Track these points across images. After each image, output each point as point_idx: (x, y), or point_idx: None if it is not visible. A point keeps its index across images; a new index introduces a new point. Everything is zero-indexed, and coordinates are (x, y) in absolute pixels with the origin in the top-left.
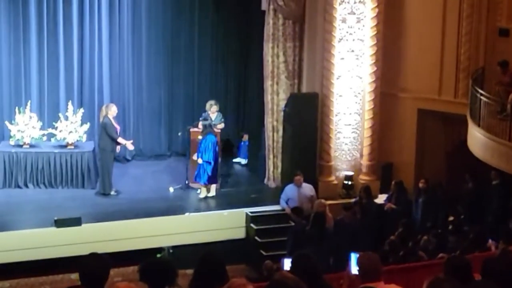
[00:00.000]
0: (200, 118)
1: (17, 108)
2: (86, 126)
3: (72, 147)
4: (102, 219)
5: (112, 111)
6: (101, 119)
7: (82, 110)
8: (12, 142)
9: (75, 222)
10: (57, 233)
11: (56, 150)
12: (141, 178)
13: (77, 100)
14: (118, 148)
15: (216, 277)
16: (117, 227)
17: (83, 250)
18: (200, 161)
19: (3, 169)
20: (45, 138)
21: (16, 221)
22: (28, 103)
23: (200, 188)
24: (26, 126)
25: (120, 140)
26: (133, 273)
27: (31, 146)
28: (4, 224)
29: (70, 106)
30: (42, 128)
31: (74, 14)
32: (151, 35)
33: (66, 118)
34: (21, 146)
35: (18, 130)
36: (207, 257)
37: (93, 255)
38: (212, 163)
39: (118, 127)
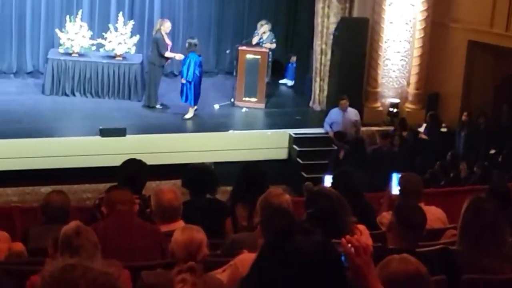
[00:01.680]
0: (252, 37)
1: (68, 16)
2: (135, 38)
3: (121, 58)
4: (146, 131)
5: (166, 27)
6: (153, 33)
7: (132, 22)
8: (61, 50)
9: (120, 132)
10: (101, 142)
11: (105, 61)
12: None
13: (128, 12)
14: (167, 62)
15: (256, 185)
16: (160, 140)
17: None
18: (183, 80)
19: (51, 76)
20: (94, 48)
21: (62, 128)
22: (79, 12)
23: (244, 108)
24: (76, 35)
25: (168, 54)
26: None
27: (80, 55)
28: (51, 130)
29: (120, 18)
30: (91, 38)
31: None
32: None
33: (116, 29)
34: (70, 54)
35: (68, 39)
36: (249, 166)
37: (131, 160)
38: (192, 83)
39: (169, 43)
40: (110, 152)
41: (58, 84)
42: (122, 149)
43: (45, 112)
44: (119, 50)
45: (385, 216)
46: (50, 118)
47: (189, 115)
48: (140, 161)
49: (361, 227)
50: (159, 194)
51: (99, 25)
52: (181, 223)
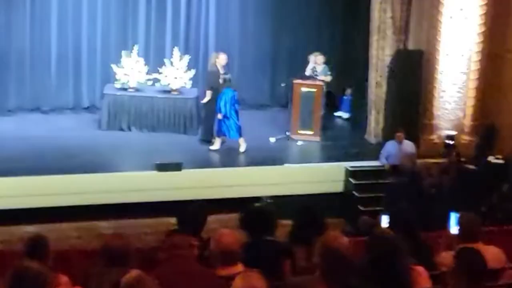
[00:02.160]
0: (306, 71)
1: (123, 51)
2: (190, 73)
3: (176, 93)
4: (202, 165)
5: (221, 59)
6: (209, 67)
7: (187, 56)
8: (117, 85)
9: (176, 167)
10: (157, 177)
11: (160, 95)
12: (242, 127)
13: (183, 46)
14: None
15: (314, 227)
16: (216, 175)
17: (183, 195)
18: (219, 116)
19: (107, 111)
20: (150, 82)
21: (118, 163)
22: (135, 47)
23: (299, 141)
24: (132, 70)
25: (208, 92)
26: (229, 221)
27: (136, 90)
28: (107, 166)
29: (176, 52)
30: (147, 73)
31: None
32: None
33: (172, 63)
34: (126, 89)
35: (124, 74)
36: (307, 208)
37: (192, 202)
38: (230, 118)
39: None
40: (166, 186)
41: (114, 119)
42: (178, 184)
43: (101, 147)
44: (175, 85)
45: (444, 257)
46: (107, 153)
47: (242, 148)
48: (200, 203)
49: (420, 269)
50: (219, 238)
51: (155, 60)
52: (240, 267)
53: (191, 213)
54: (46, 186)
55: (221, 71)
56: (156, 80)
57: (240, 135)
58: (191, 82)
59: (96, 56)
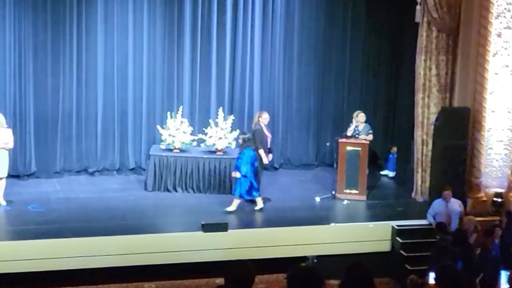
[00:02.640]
0: (347, 132)
1: (169, 113)
2: (235, 133)
3: (221, 153)
4: (248, 225)
5: (264, 118)
6: (253, 126)
7: (232, 117)
8: (163, 146)
9: (222, 227)
10: (204, 238)
11: (206, 156)
12: (288, 186)
13: (228, 106)
14: (270, 157)
15: (364, 285)
16: (262, 234)
17: (229, 256)
18: (238, 175)
19: (153, 172)
20: (195, 143)
21: (164, 223)
22: (180, 108)
23: (345, 200)
24: (177, 131)
25: (260, 152)
26: (276, 281)
27: (181, 150)
28: (153, 226)
29: (220, 113)
30: (192, 133)
31: (228, 22)
32: (302, 45)
33: (216, 124)
34: (171, 150)
35: (169, 135)
36: (356, 267)
37: (239, 261)
38: (249, 177)
39: (269, 136)
40: (213, 247)
41: (160, 180)
42: (224, 244)
43: (147, 208)
44: (220, 145)
45: None
46: (153, 214)
47: (232, 207)
48: (248, 262)
49: None
50: None
51: (200, 120)
52: None
53: (239, 272)
54: (93, 247)
55: (265, 130)
56: (201, 141)
57: (255, 196)
58: (235, 142)
59: (141, 117)
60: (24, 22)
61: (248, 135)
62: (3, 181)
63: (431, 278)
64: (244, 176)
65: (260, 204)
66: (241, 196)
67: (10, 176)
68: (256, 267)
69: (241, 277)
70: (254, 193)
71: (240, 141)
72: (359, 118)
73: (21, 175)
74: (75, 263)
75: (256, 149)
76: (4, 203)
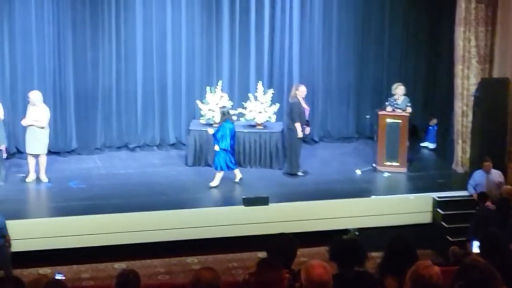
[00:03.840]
0: (386, 103)
1: (208, 87)
2: (275, 107)
3: (261, 127)
4: (289, 199)
5: (301, 91)
6: (290, 99)
7: (271, 91)
8: (203, 121)
9: (263, 201)
10: (244, 212)
11: (245, 130)
12: (328, 159)
13: (267, 80)
14: (307, 130)
15: (406, 257)
16: (303, 208)
17: (270, 229)
18: (217, 148)
19: (193, 147)
20: (235, 117)
21: (205, 198)
22: (219, 83)
23: (386, 172)
24: (216, 106)
25: (297, 125)
26: (318, 254)
27: None
28: (194, 201)
29: (260, 87)
30: (232, 108)
31: None
32: (341, 17)
33: (256, 98)
34: (211, 125)
35: (209, 109)
36: (399, 237)
37: (282, 235)
38: (228, 150)
39: (307, 108)
40: (254, 221)
41: (200, 155)
42: (265, 218)
43: (188, 183)
44: (260, 119)
45: None
46: (194, 189)
47: (215, 182)
48: (290, 236)
49: None
50: (309, 269)
51: (239, 95)
52: None
53: (281, 245)
54: (134, 223)
55: (302, 103)
56: (240, 115)
57: (231, 169)
58: (275, 116)
59: (181, 92)
60: None
61: (227, 108)
62: (44, 158)
63: (475, 246)
64: (224, 149)
65: (238, 175)
66: (221, 169)
67: (51, 153)
68: (298, 240)
69: (284, 251)
70: (231, 165)
71: (220, 114)
72: (398, 91)
73: (62, 152)
74: (117, 238)
75: (293, 122)
76: (46, 180)
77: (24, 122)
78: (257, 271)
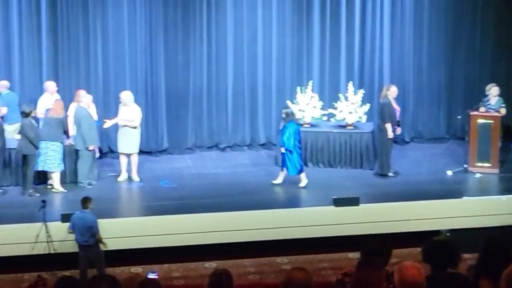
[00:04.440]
0: (480, 103)
1: (298, 87)
2: (365, 107)
3: (352, 127)
4: (380, 199)
5: (392, 91)
6: (381, 100)
7: (362, 91)
8: None
9: (353, 201)
10: (335, 212)
11: (336, 130)
12: (419, 160)
13: (358, 81)
14: (398, 130)
15: (501, 260)
16: (394, 209)
17: (361, 230)
18: (283, 150)
19: None
20: (325, 118)
21: (296, 198)
22: (310, 83)
23: (478, 173)
24: (307, 106)
25: (387, 126)
26: (409, 255)
27: (311, 125)
28: (285, 201)
29: (350, 87)
30: (322, 108)
31: None
32: (432, 17)
33: (346, 98)
34: (301, 125)
35: (299, 110)
36: (493, 240)
37: (377, 236)
38: (294, 152)
39: (398, 109)
40: (344, 221)
41: None
42: (356, 219)
43: (279, 183)
44: (350, 119)
45: None
46: (284, 189)
47: (303, 183)
48: (385, 237)
49: None
50: (403, 270)
51: (330, 95)
52: None
53: (377, 246)
54: (224, 222)
55: (393, 104)
56: (331, 115)
57: (300, 172)
58: (366, 116)
59: (271, 92)
60: None
61: (290, 109)
62: (136, 158)
63: None
64: (289, 151)
65: (304, 180)
66: (286, 171)
67: (142, 152)
68: (392, 241)
69: (380, 251)
70: (298, 168)
71: (284, 115)
72: (492, 92)
73: (154, 152)
74: (207, 238)
75: (384, 123)
76: (137, 179)
77: (108, 123)
78: (357, 271)
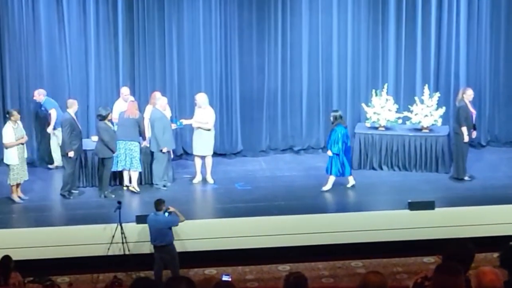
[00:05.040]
0: None
1: (373, 90)
2: (441, 110)
3: (427, 130)
4: (455, 204)
5: (468, 94)
6: (457, 103)
7: (438, 94)
8: (368, 124)
9: (429, 205)
10: (410, 216)
11: (411, 134)
12: (495, 164)
13: (433, 83)
14: (474, 133)
15: None
16: (470, 213)
17: (436, 234)
18: (329, 153)
19: (358, 150)
20: (400, 121)
21: (370, 201)
22: (385, 86)
23: None
24: (382, 109)
25: (463, 129)
26: (485, 260)
27: (386, 128)
28: (359, 205)
29: (426, 90)
30: (397, 111)
31: None
32: (510, 19)
33: (422, 101)
34: (376, 128)
35: (374, 113)
36: None
37: (459, 240)
38: (341, 155)
39: (474, 112)
40: (419, 225)
41: (365, 158)
42: (431, 223)
43: (353, 186)
44: (426, 123)
45: None
46: (359, 192)
47: (328, 186)
48: (468, 242)
49: None
50: (481, 275)
51: (405, 98)
52: None
53: (459, 251)
54: (298, 225)
55: (469, 107)
56: (406, 118)
57: (345, 174)
58: (441, 119)
59: (346, 95)
60: (230, 2)
61: (339, 112)
62: (210, 160)
63: None
64: (336, 154)
65: (351, 182)
66: (331, 174)
67: (217, 154)
68: (475, 247)
69: (461, 256)
70: (346, 172)
71: (332, 118)
72: None
73: (228, 154)
74: (281, 240)
75: (459, 126)
76: (211, 181)
77: (184, 122)
78: (436, 275)
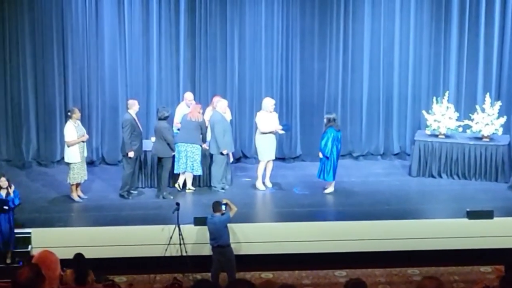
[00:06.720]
0: None
1: (434, 98)
2: (502, 119)
3: (488, 139)
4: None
5: None
6: None
7: (499, 102)
8: (428, 132)
9: (487, 215)
10: (468, 225)
11: (471, 142)
12: None
13: (495, 92)
14: None
15: None
16: None
17: (494, 244)
18: (320, 155)
19: (418, 157)
20: (460, 129)
21: (429, 209)
22: (446, 94)
23: None
24: (442, 117)
25: None
26: None
27: (447, 136)
28: (418, 212)
29: (487, 98)
30: (458, 119)
31: (497, 4)
32: None
33: (483, 110)
34: (436, 136)
35: (435, 120)
36: None
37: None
38: (331, 158)
39: None
40: (477, 234)
41: (425, 166)
42: (489, 232)
43: (411, 193)
44: (486, 131)
45: None
46: (417, 200)
47: (330, 190)
48: None
49: None
50: None
51: (466, 106)
52: None
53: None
54: (356, 231)
55: None
56: (467, 127)
57: (330, 179)
58: (502, 128)
59: (407, 102)
60: (292, 6)
61: (333, 115)
62: (271, 164)
63: None
64: (326, 157)
65: (331, 188)
66: (320, 177)
67: (276, 158)
68: None
69: None
70: (329, 176)
71: (325, 120)
72: None
73: (287, 158)
74: (338, 246)
75: None
76: (270, 185)
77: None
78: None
